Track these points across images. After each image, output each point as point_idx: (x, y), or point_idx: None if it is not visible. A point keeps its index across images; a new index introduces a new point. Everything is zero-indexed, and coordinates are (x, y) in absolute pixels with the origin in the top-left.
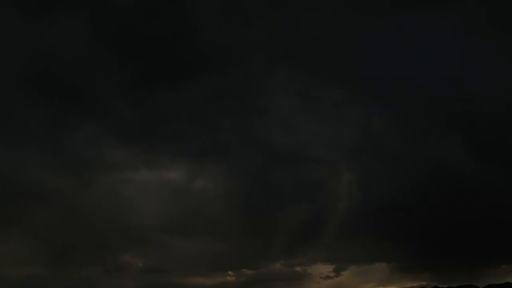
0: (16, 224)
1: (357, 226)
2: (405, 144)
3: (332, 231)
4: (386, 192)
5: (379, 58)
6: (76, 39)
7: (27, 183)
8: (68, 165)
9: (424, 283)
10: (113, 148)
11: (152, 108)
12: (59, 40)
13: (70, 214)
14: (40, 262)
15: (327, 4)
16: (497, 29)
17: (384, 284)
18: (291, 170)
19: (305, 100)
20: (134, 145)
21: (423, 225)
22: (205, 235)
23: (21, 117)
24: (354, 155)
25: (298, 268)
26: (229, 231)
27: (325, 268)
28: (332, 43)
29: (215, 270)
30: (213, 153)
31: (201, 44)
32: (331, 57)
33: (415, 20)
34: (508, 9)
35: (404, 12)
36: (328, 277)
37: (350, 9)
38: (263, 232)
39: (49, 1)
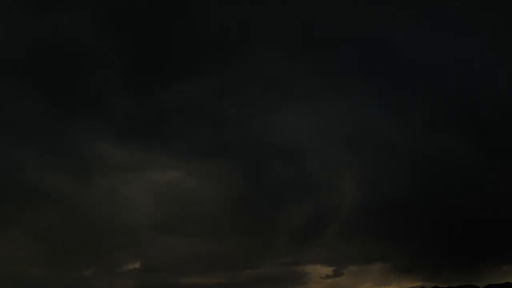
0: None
1: (357, 226)
2: (406, 143)
3: (332, 231)
4: (387, 192)
5: (382, 52)
6: (76, 38)
7: (26, 183)
8: (67, 165)
9: (424, 283)
10: (113, 147)
11: (153, 107)
12: (59, 38)
13: (68, 214)
14: (38, 262)
15: None
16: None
17: (384, 284)
18: (290, 169)
19: (305, 98)
20: (134, 144)
21: (424, 225)
22: (205, 235)
23: (21, 116)
24: (354, 154)
25: (297, 268)
26: (229, 231)
27: (325, 268)
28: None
29: (214, 270)
30: (213, 152)
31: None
32: (331, 52)
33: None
34: None
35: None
36: (327, 277)
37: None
38: (262, 232)
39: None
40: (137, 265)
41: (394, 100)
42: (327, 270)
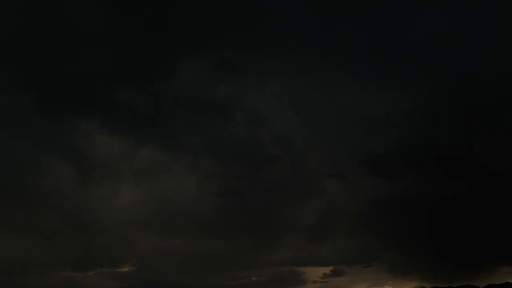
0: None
1: (356, 225)
2: (405, 140)
3: (331, 231)
4: (386, 191)
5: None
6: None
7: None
8: (66, 164)
9: (423, 283)
10: (112, 147)
11: (150, 103)
12: (58, 35)
13: (68, 215)
14: (36, 263)
15: None
16: None
17: (383, 284)
18: (289, 168)
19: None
20: (133, 143)
21: (423, 225)
22: (203, 235)
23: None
24: (353, 153)
25: (295, 268)
26: (227, 231)
27: (323, 268)
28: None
29: (211, 271)
30: (210, 151)
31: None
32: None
33: None
34: None
35: None
36: (326, 277)
37: None
38: (260, 232)
39: None
40: (136, 265)
41: (396, 94)
42: (326, 270)
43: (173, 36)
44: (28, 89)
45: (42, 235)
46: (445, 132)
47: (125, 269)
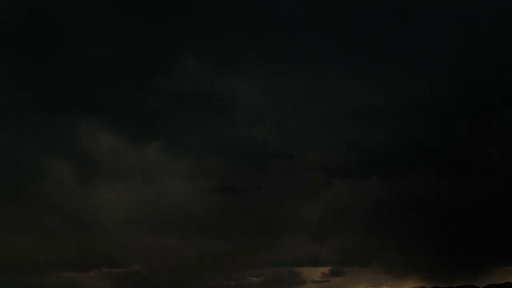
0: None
1: (356, 225)
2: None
3: (330, 231)
4: (386, 192)
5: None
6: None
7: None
8: (65, 162)
9: (424, 283)
10: (110, 145)
11: (150, 103)
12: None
13: (68, 216)
14: (36, 264)
15: None
16: None
17: (383, 284)
18: (286, 168)
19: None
20: (130, 141)
21: (423, 224)
22: (201, 236)
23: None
24: (354, 153)
25: (294, 269)
26: (225, 231)
27: (322, 268)
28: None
29: (211, 271)
30: (210, 151)
31: None
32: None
33: None
34: None
35: None
36: (325, 276)
37: None
38: (259, 232)
39: None
40: (136, 265)
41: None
42: (325, 270)
43: (173, 35)
44: (28, 88)
45: (42, 235)
46: (446, 131)
47: (125, 269)
